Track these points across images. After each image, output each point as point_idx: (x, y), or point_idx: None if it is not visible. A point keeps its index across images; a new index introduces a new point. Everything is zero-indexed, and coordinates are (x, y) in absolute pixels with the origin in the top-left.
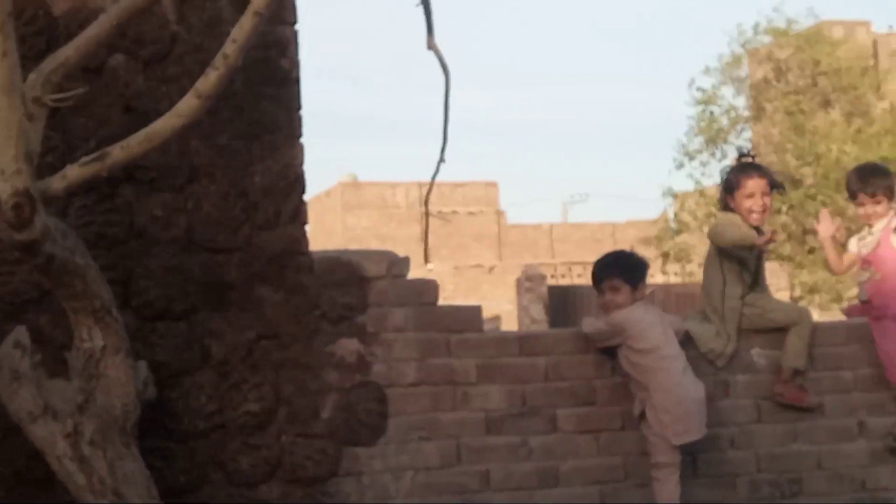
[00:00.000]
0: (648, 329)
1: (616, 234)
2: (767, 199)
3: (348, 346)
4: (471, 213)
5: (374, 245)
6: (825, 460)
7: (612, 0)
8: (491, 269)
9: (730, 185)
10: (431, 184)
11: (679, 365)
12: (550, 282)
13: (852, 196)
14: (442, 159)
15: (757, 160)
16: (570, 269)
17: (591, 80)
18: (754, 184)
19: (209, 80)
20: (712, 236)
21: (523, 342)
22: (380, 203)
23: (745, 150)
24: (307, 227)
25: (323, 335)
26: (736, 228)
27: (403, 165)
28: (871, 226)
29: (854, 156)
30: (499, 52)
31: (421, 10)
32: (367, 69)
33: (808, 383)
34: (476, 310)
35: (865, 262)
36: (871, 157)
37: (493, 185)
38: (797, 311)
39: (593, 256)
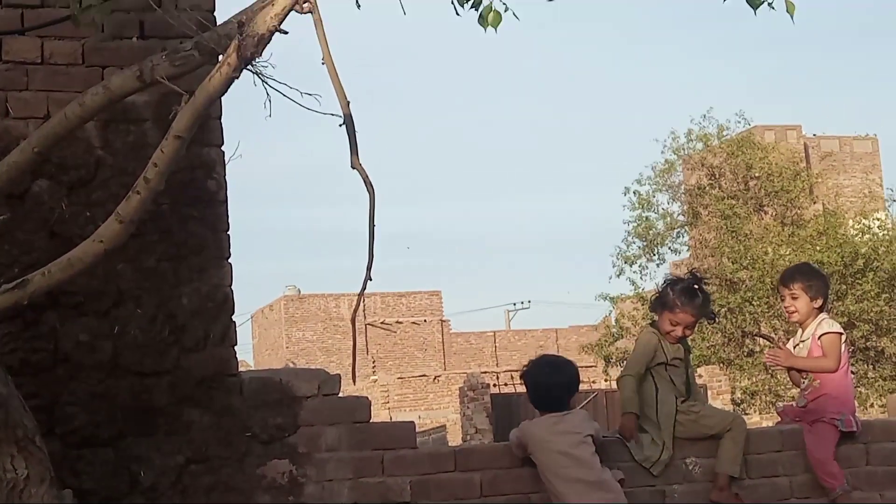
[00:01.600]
0: (545, 445)
1: (559, 340)
2: (689, 332)
3: (280, 468)
4: (415, 323)
5: (320, 357)
6: None
7: (546, 114)
8: (436, 378)
9: (665, 302)
10: (359, 300)
11: (579, 488)
12: (495, 390)
13: (778, 291)
14: (369, 277)
15: (705, 285)
16: (511, 378)
17: (529, 191)
18: (685, 317)
19: (131, 205)
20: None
21: (459, 457)
22: (324, 315)
23: (699, 275)
24: (237, 348)
25: (253, 457)
26: (631, 380)
27: (346, 278)
28: (803, 330)
29: (789, 258)
30: (437, 165)
31: (344, 129)
32: (305, 185)
33: (745, 491)
34: (409, 426)
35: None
36: (804, 258)
37: (436, 294)
38: (731, 417)
39: None
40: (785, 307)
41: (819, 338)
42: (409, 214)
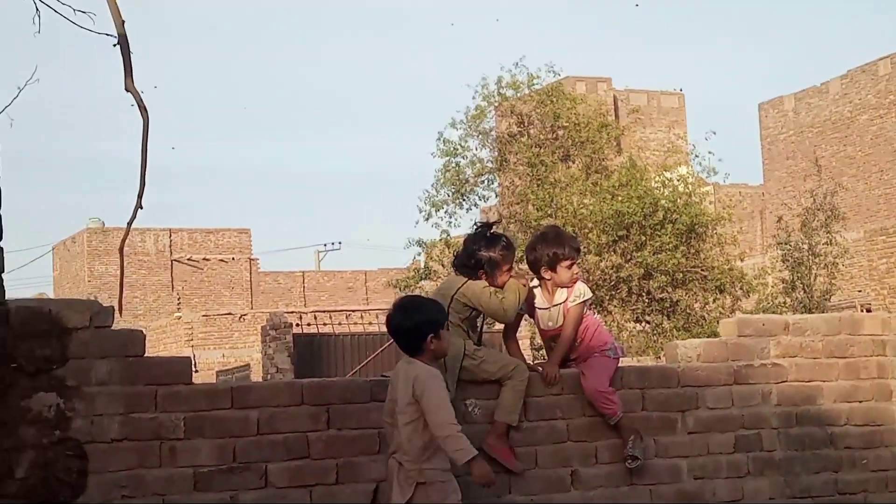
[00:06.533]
0: (394, 385)
1: (368, 282)
2: None
3: (46, 401)
4: (223, 261)
5: (123, 292)
6: None
7: (365, 54)
8: (242, 316)
9: (492, 263)
10: (128, 229)
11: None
12: (305, 329)
13: (553, 264)
14: (139, 205)
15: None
16: (315, 318)
17: (343, 132)
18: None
19: None
20: (500, 307)
21: (235, 394)
22: (128, 250)
23: (482, 223)
24: (35, 279)
25: (19, 389)
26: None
27: (152, 213)
28: (553, 291)
29: (591, 207)
30: (250, 101)
31: (119, 50)
32: (114, 117)
33: (523, 433)
34: (185, 361)
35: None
36: (606, 208)
37: (245, 232)
38: (512, 364)
39: (346, 304)
40: (558, 286)
41: (569, 307)
42: (222, 150)
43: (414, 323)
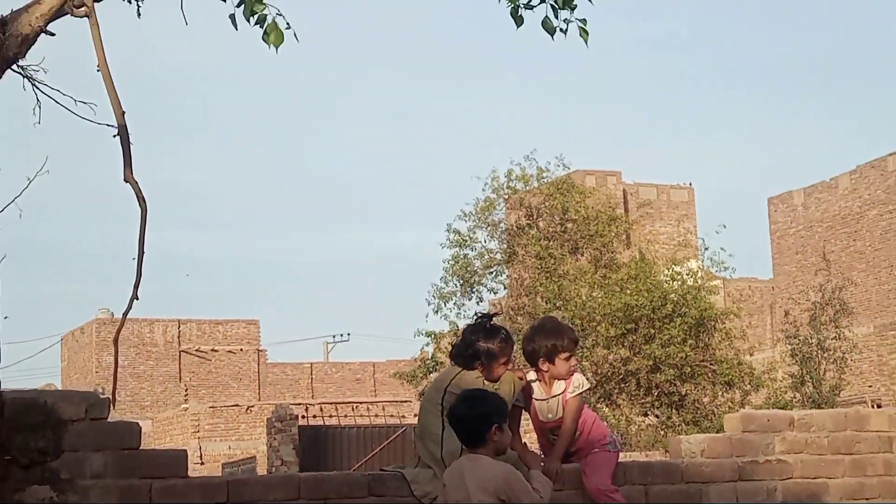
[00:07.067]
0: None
1: (377, 374)
2: None
3: (39, 494)
4: (231, 352)
5: (131, 383)
6: None
7: (374, 146)
8: (249, 408)
9: (490, 355)
10: (123, 319)
11: None
12: (312, 421)
13: (552, 356)
14: (135, 296)
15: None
16: (321, 410)
17: (353, 223)
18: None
19: None
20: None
21: (231, 488)
22: (136, 340)
23: (483, 315)
24: (43, 370)
25: (11, 482)
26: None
27: (161, 303)
28: (550, 383)
29: (600, 300)
30: (262, 192)
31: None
32: (118, 207)
33: None
34: (181, 454)
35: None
36: (615, 301)
37: (254, 323)
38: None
39: (354, 395)
40: (556, 378)
41: (567, 398)
42: (229, 240)
43: (480, 412)
